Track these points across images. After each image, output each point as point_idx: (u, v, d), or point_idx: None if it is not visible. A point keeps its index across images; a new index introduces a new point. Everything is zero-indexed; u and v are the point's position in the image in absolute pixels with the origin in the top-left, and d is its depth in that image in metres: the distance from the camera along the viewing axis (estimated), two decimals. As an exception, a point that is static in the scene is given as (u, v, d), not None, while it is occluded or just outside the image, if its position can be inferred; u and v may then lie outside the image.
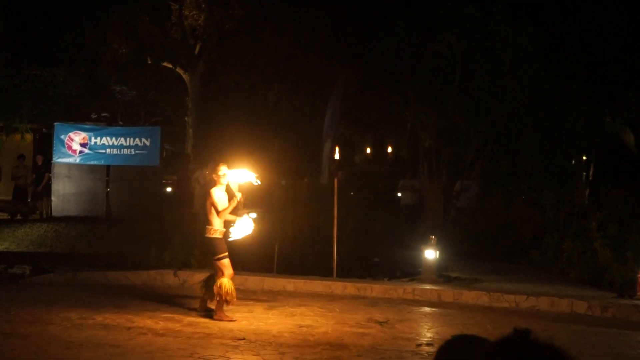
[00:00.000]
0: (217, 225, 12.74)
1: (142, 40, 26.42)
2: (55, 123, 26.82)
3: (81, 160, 26.01)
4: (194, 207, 21.05)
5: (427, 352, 10.74)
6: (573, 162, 29.62)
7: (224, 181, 12.92)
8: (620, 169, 27.54)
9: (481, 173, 25.60)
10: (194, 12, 25.90)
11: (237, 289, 12.95)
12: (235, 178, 13.08)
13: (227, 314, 12.63)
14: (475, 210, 22.98)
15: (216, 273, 12.85)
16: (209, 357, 10.15)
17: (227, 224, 13.06)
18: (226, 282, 12.59)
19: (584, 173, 30.48)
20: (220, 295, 12.52)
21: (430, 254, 16.82)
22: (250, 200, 25.21)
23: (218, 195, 12.79)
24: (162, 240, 18.22)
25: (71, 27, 27.59)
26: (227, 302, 12.59)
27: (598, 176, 29.42)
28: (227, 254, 12.76)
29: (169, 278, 16.21)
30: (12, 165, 27.04)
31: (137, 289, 15.53)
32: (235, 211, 13.01)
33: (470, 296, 15.28)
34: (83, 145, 25.87)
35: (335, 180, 17.59)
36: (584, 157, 30.64)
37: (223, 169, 12.92)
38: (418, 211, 24.72)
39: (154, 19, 26.37)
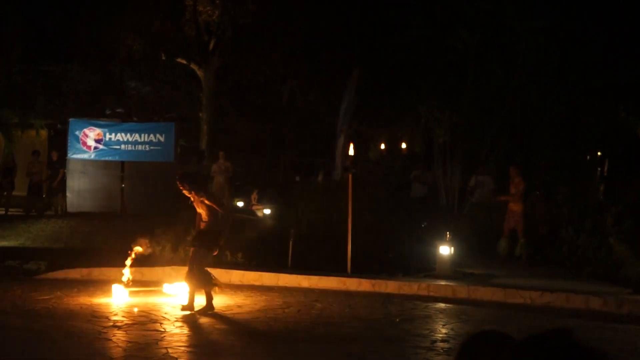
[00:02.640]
0: None
1: (156, 36, 26.45)
2: (70, 119, 26.87)
3: (96, 156, 26.05)
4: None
5: (442, 348, 10.72)
6: (588, 157, 29.57)
7: None
8: (635, 163, 27.46)
9: (495, 168, 25.53)
10: (208, 8, 25.94)
11: (252, 286, 13.01)
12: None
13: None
14: (489, 206, 22.92)
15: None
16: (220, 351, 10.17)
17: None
18: None
19: (599, 168, 30.42)
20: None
21: (445, 250, 16.81)
22: (265, 197, 25.27)
23: None
24: (176, 236, 18.24)
25: (85, 23, 27.69)
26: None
27: (613, 171, 29.38)
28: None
29: (184, 274, 16.22)
30: (27, 161, 27.09)
31: (152, 285, 15.56)
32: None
33: (485, 292, 15.26)
34: (98, 141, 25.92)
35: (350, 175, 17.59)
36: (599, 152, 30.58)
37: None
38: (427, 203, 24.70)
39: (168, 14, 26.41)
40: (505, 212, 20.11)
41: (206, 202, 13.02)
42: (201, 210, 13.20)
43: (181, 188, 13.26)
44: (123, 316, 12.28)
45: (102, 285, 15.33)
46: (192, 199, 13.22)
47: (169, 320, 12.04)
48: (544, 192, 24.64)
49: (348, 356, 10.34)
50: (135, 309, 12.89)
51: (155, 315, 12.41)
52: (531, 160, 27.09)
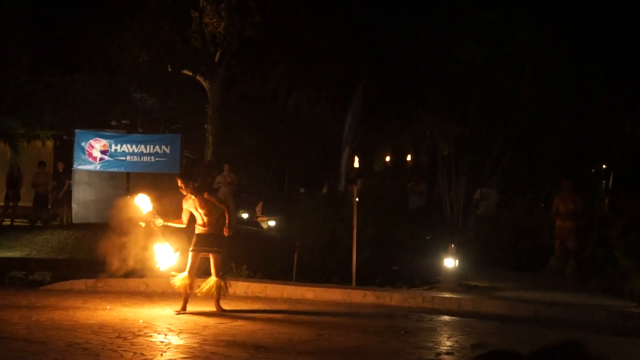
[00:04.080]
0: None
1: (162, 48, 26.48)
2: (76, 130, 26.92)
3: (101, 167, 26.11)
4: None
5: (446, 361, 10.71)
6: (593, 169, 29.55)
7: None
8: (641, 177, 27.45)
9: (501, 181, 25.53)
10: (214, 20, 25.94)
11: (257, 297, 13.06)
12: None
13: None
14: (494, 219, 22.93)
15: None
16: (229, 365, 10.17)
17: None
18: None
19: (604, 181, 30.39)
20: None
21: (450, 263, 16.81)
22: (269, 208, 25.28)
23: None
24: (181, 246, 18.25)
25: (92, 34, 27.70)
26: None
27: (618, 184, 29.34)
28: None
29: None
30: (33, 172, 27.14)
31: (157, 296, 15.58)
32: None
33: (490, 305, 15.25)
34: (103, 152, 25.96)
35: (355, 188, 17.61)
36: (604, 165, 30.56)
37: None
38: (423, 215, 24.69)
39: (175, 26, 26.44)
40: (512, 224, 20.13)
41: (207, 197, 13.22)
42: (199, 213, 13.30)
43: (183, 185, 13.34)
44: (128, 327, 12.27)
45: (107, 296, 15.35)
46: (192, 198, 13.32)
47: (173, 331, 12.04)
48: (549, 205, 24.64)
49: (352, 368, 10.34)
50: (141, 320, 12.89)
51: (160, 326, 12.41)
52: (537, 173, 27.10)
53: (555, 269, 18.02)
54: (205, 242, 13.62)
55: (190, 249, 13.74)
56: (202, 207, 13.40)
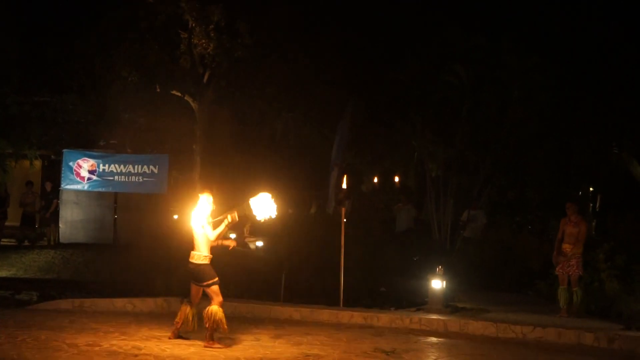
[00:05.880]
0: (205, 251, 12.72)
1: (151, 69, 26.52)
2: (64, 150, 26.94)
3: (89, 187, 26.12)
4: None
5: (433, 382, 10.72)
6: (580, 193, 29.64)
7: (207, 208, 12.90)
8: (627, 200, 27.54)
9: (488, 203, 25.59)
10: (203, 41, 26.02)
11: (244, 317, 12.98)
12: (256, 208, 12.94)
13: (217, 343, 12.62)
14: (482, 241, 22.98)
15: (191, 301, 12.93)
16: (216, 385, 10.15)
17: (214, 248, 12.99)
18: (216, 309, 12.59)
19: (591, 204, 30.48)
20: (210, 322, 12.53)
21: (437, 284, 16.83)
22: (257, 229, 25.21)
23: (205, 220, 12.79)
24: (169, 267, 18.24)
25: (81, 55, 27.73)
26: (215, 330, 12.61)
27: (605, 207, 29.44)
28: (217, 279, 12.70)
29: (176, 305, 16.16)
30: (21, 192, 27.13)
31: (144, 316, 15.55)
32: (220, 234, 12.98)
33: (476, 326, 15.26)
34: (91, 172, 25.99)
35: (342, 209, 17.64)
36: (591, 188, 30.66)
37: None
38: (410, 236, 24.72)
39: (164, 47, 26.49)
40: (499, 247, 20.18)
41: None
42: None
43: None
44: (112, 344, 12.23)
45: (94, 316, 15.32)
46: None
47: (158, 355, 12.01)
48: (537, 227, 24.72)
49: (339, 389, 10.34)
50: (128, 341, 12.85)
51: (148, 347, 12.38)
52: (524, 196, 27.18)
53: (565, 301, 16.71)
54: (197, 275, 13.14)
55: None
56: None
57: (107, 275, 20.98)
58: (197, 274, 12.74)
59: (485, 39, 23.34)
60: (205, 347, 12.41)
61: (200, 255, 12.67)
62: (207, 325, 12.58)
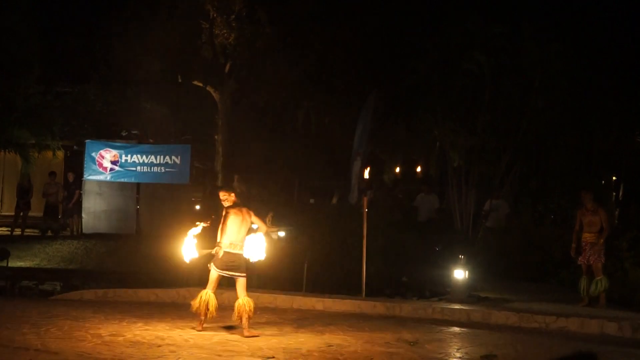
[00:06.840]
0: (243, 243, 12.90)
1: (173, 59, 26.57)
2: (87, 140, 27.07)
3: (112, 177, 26.22)
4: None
5: (456, 373, 10.72)
6: (603, 181, 29.50)
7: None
8: (651, 189, 27.43)
9: (510, 192, 25.49)
10: (225, 31, 26.05)
11: (266, 308, 13.00)
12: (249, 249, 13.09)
13: (255, 331, 12.79)
14: (504, 230, 22.90)
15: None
16: (239, 376, 10.17)
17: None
18: (248, 300, 12.76)
19: (614, 193, 30.34)
20: (247, 312, 12.69)
21: (460, 274, 16.80)
22: (280, 219, 25.24)
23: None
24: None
25: (103, 45, 27.84)
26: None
27: (628, 196, 29.29)
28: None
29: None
30: (44, 182, 27.24)
31: (167, 307, 15.60)
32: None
33: (499, 316, 15.24)
34: (114, 162, 26.09)
35: (365, 199, 17.62)
36: (614, 177, 30.51)
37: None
38: (432, 226, 24.64)
39: (185, 37, 26.52)
40: (521, 236, 20.09)
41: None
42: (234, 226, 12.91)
43: (227, 195, 13.04)
44: (138, 338, 12.27)
45: (117, 306, 15.38)
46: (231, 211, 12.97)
47: (181, 345, 12.04)
48: (559, 216, 24.61)
49: (362, 379, 10.34)
50: (152, 331, 12.90)
51: (172, 337, 12.41)
52: (546, 185, 27.07)
53: (584, 291, 16.44)
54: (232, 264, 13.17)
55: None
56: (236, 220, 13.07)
57: (130, 265, 21.04)
58: (235, 263, 12.88)
59: (505, 26, 23.23)
60: (247, 336, 12.51)
61: (242, 246, 12.87)
62: (244, 317, 12.72)
